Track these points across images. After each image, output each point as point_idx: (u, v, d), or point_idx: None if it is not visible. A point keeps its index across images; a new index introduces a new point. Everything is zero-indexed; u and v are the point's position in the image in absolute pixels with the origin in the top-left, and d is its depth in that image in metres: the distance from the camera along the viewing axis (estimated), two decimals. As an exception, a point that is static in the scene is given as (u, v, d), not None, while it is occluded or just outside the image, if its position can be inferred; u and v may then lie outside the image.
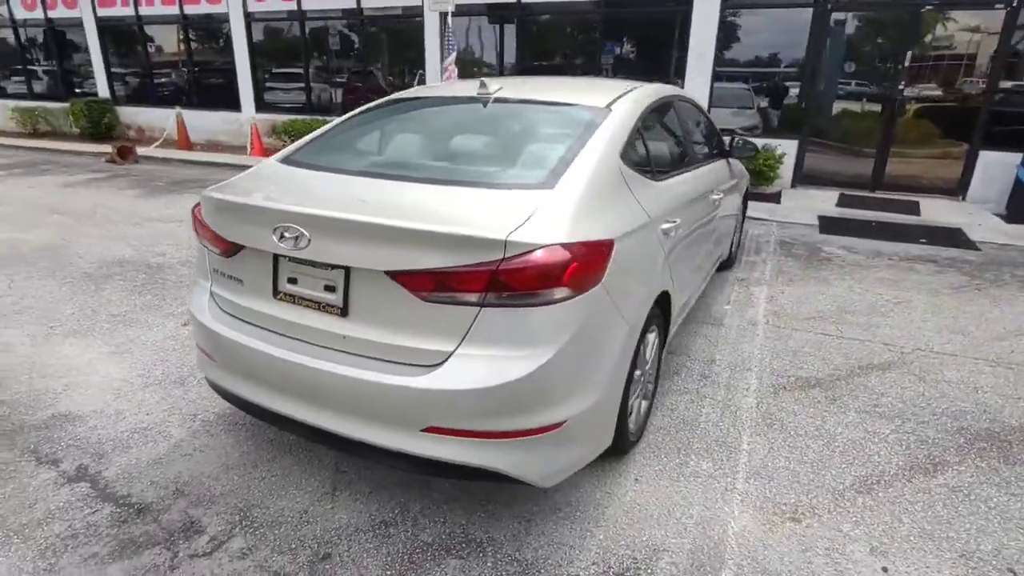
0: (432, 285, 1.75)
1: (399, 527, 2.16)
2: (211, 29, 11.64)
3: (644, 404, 2.70)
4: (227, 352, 2.14)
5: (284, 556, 2.03)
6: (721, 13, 7.85)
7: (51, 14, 13.01)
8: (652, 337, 2.57)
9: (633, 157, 2.46)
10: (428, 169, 2.39)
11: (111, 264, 4.93)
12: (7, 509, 2.23)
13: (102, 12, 12.36)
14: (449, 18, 7.60)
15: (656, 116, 2.98)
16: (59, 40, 13.46)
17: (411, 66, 10.33)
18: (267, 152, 9.66)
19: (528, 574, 1.95)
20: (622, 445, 2.42)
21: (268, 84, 11.39)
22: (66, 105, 12.72)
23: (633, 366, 2.23)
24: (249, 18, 10.93)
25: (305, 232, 1.85)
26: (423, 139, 2.65)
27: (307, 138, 2.68)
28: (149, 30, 12.27)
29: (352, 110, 2.90)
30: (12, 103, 13.89)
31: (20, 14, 13.47)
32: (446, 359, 1.79)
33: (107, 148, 10.47)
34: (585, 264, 1.84)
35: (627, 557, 2.03)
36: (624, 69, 8.92)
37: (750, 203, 7.20)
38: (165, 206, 7.04)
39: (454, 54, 7.67)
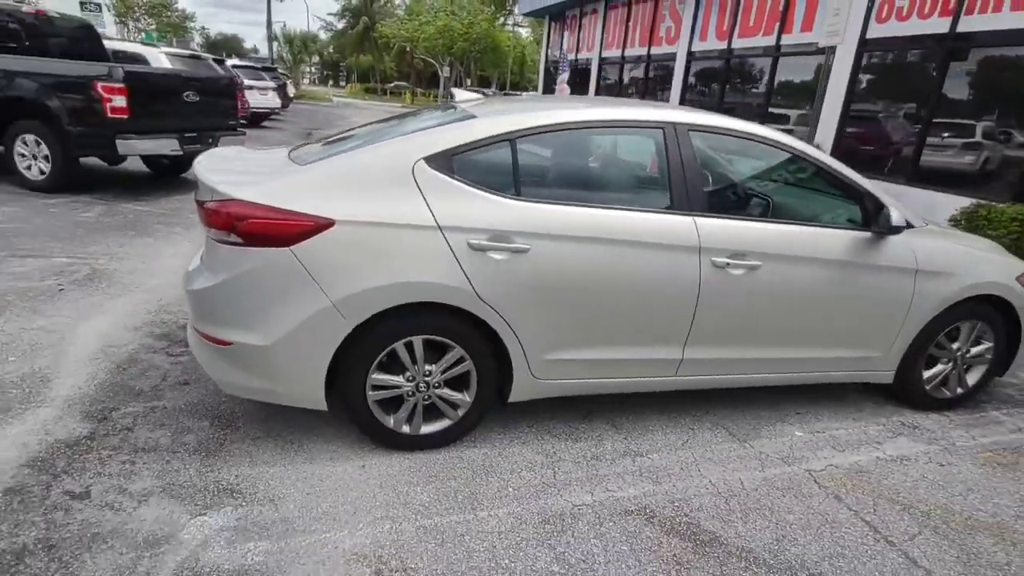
0: (200, 211, 2.49)
1: (197, 434, 2.77)
2: (665, 65, 13.11)
3: (445, 423, 2.61)
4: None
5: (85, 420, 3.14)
6: None
7: (602, 53, 17.06)
8: (459, 354, 2.47)
9: (462, 163, 2.41)
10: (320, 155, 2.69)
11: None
12: (116, 342, 4.01)
13: (605, 54, 15.49)
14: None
15: (571, 138, 2.61)
16: (577, 76, 17.50)
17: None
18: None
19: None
20: (366, 428, 2.54)
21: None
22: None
23: (351, 349, 2.34)
24: (690, 57, 11.88)
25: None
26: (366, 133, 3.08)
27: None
28: (627, 67, 14.71)
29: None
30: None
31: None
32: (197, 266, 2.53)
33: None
34: (264, 224, 2.21)
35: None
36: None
37: None
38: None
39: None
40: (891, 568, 2.15)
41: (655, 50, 13.15)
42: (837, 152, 8.48)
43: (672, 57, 12.37)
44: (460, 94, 3.04)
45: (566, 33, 17.89)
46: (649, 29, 13.27)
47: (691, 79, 12.02)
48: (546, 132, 2.57)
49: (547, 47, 19.49)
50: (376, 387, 2.47)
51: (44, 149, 6.41)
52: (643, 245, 2.56)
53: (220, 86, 7.71)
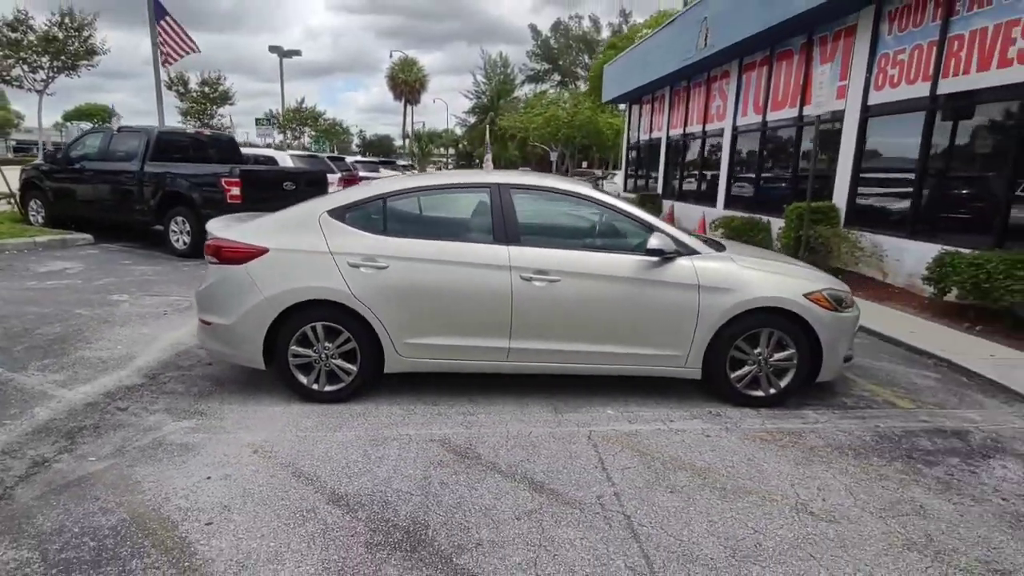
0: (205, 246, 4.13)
1: (200, 387, 4.49)
2: (716, 139, 13.94)
3: (341, 384, 3.89)
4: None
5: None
6: None
7: (669, 132, 18.29)
8: (347, 336, 3.79)
9: (351, 214, 3.84)
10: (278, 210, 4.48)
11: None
12: (182, 342, 5.81)
13: (671, 132, 16.61)
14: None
15: (425, 197, 3.95)
16: (650, 153, 18.68)
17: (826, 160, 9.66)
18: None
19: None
20: (290, 384, 3.90)
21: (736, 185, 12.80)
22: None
23: (280, 330, 3.76)
24: (735, 130, 12.68)
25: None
26: None
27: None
28: (688, 142, 15.67)
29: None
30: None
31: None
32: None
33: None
34: (228, 250, 3.78)
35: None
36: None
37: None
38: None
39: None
40: (587, 477, 3.03)
41: (709, 126, 14.09)
42: (851, 210, 8.83)
43: (721, 132, 13.23)
44: (384, 172, 4.52)
45: (643, 116, 19.34)
46: (704, 109, 14.30)
47: (738, 149, 12.76)
48: (408, 193, 3.95)
49: (628, 130, 21.02)
50: (295, 355, 3.85)
51: (187, 226, 8.93)
52: (469, 265, 3.78)
53: (312, 177, 10.05)
